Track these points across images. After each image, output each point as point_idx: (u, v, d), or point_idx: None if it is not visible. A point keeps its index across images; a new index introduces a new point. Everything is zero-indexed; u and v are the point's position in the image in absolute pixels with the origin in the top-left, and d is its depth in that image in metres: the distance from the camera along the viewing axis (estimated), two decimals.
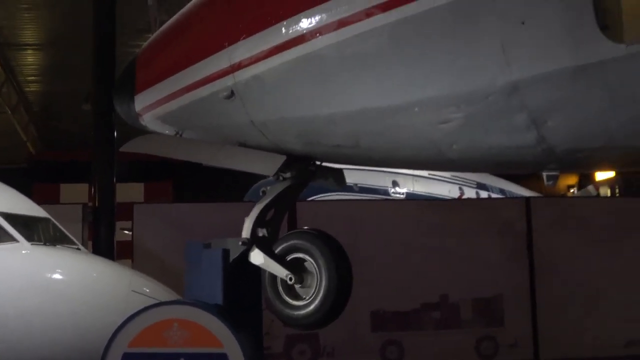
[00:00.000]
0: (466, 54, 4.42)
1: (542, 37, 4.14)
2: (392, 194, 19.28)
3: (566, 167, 5.29)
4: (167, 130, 6.61)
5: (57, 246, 8.81)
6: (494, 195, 21.58)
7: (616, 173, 19.94)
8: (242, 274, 5.90)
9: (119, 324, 5.59)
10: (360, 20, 4.73)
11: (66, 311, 8.05)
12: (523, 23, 4.14)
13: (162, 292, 8.24)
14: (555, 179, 5.37)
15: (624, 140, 4.37)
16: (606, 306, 11.61)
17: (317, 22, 4.97)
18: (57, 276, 8.56)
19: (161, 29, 7.04)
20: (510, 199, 19.19)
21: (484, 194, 21.49)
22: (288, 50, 5.19)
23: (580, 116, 4.35)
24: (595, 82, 4.11)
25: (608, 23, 4.20)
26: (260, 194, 6.13)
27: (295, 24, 5.10)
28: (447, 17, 4.38)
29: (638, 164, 5.35)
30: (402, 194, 19.51)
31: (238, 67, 5.54)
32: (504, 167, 5.85)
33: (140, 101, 6.58)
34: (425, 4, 4.41)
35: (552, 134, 4.50)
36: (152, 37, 7.31)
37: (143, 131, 6.98)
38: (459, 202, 17.38)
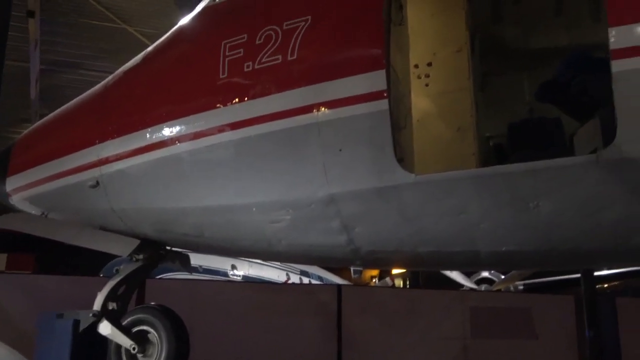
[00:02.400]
0: (295, 170, 4.55)
1: (354, 163, 4.35)
2: (231, 276, 18.90)
3: (369, 264, 5.48)
4: (34, 210, 6.16)
5: None
6: (313, 281, 21.80)
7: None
8: (89, 343, 5.46)
9: None
10: (212, 134, 4.77)
11: None
12: (340, 150, 4.34)
13: (14, 358, 7.40)
14: (360, 272, 5.57)
15: (411, 247, 4.62)
16: None
17: (176, 132, 4.95)
18: None
19: (40, 121, 6.69)
20: (325, 285, 19.44)
21: (305, 280, 21.64)
22: (150, 152, 5.10)
23: (379, 226, 4.56)
24: (391, 200, 4.35)
25: (403, 157, 4.52)
26: (114, 271, 5.83)
27: (158, 132, 5.04)
28: (282, 140, 4.52)
29: (421, 264, 5.64)
30: (239, 276, 19.18)
31: (105, 161, 5.37)
32: (321, 261, 5.96)
33: (12, 183, 6.13)
34: (265, 128, 4.54)
35: (358, 238, 4.67)
36: (31, 127, 6.90)
37: (11, 209, 6.46)
38: (285, 286, 17.40)
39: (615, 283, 15.77)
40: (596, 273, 12.11)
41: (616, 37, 3.70)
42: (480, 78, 6.07)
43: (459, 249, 4.56)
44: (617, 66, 3.69)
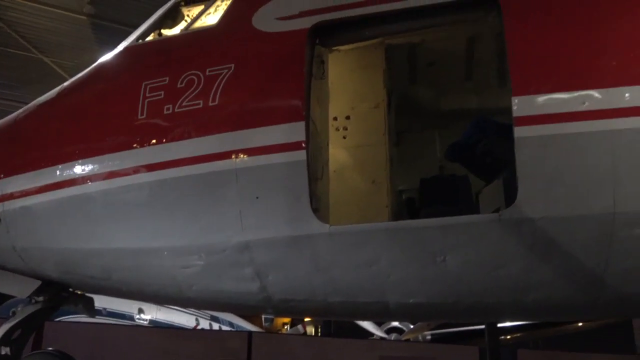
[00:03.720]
0: (210, 215, 4.53)
1: (270, 211, 4.39)
2: (137, 320, 18.15)
3: (280, 312, 5.46)
4: None
5: None
6: (224, 327, 21.30)
7: None
8: None
9: None
10: (127, 175, 4.69)
11: None
12: (257, 198, 4.37)
13: None
14: (271, 320, 5.52)
15: (322, 296, 4.67)
16: None
17: (89, 171, 4.83)
18: None
19: None
20: (236, 332, 19.09)
21: (215, 326, 21.11)
22: (59, 190, 4.94)
23: (292, 274, 4.59)
24: (305, 250, 4.40)
25: (319, 207, 4.60)
26: (10, 313, 5.49)
27: (69, 169, 4.90)
28: (199, 185, 4.50)
29: (332, 314, 5.68)
30: (146, 320, 18.45)
31: (9, 197, 5.13)
32: (233, 308, 5.89)
33: None
34: (182, 171, 4.51)
35: (271, 286, 4.67)
36: None
37: None
38: (194, 332, 16.90)
39: (517, 335, 16.40)
40: (499, 325, 12.56)
41: (519, 105, 3.99)
42: (395, 134, 6.32)
43: (369, 299, 4.64)
44: (520, 132, 3.97)
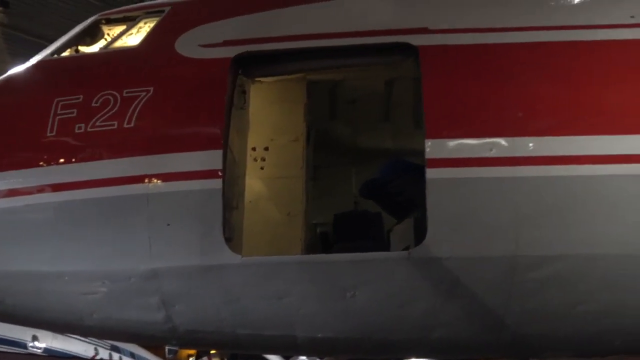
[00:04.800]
0: (118, 240, 4.41)
1: (181, 239, 4.32)
2: (30, 348, 17.07)
3: (186, 344, 5.34)
4: None
5: None
6: (125, 358, 20.44)
7: None
8: None
9: None
10: (29, 193, 4.51)
11: None
12: (168, 225, 4.29)
13: None
14: (175, 352, 5.34)
15: (230, 328, 4.61)
16: None
17: None
18: None
19: None
20: None
21: (116, 356, 20.22)
22: None
23: (201, 305, 4.51)
24: (215, 280, 4.35)
25: (232, 237, 4.57)
26: None
27: None
28: (107, 208, 4.38)
29: (239, 346, 5.57)
30: (41, 348, 17.39)
31: None
32: (135, 338, 5.70)
33: None
34: (90, 193, 4.38)
35: (177, 316, 4.57)
36: None
37: None
38: None
39: None
40: None
41: (431, 148, 4.16)
42: (312, 168, 6.40)
43: (278, 332, 4.62)
44: (431, 174, 4.13)
